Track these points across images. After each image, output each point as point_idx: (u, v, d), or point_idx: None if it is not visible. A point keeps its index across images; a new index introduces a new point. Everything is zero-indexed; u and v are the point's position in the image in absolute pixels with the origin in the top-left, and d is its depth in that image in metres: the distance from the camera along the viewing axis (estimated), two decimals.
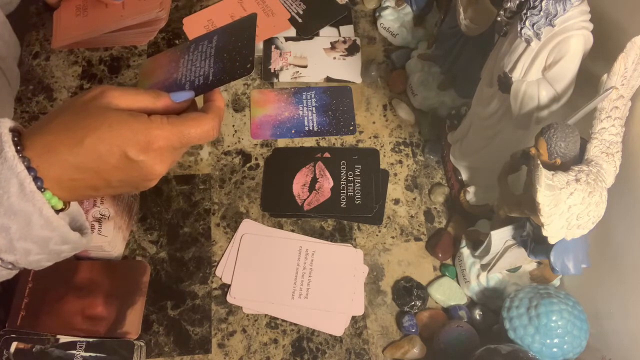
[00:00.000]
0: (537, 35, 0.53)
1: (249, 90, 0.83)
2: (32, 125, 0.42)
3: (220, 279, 0.69)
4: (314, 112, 0.81)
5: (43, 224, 0.40)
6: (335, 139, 0.79)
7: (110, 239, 0.67)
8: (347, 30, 0.88)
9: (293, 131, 0.79)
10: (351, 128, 0.80)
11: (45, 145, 0.40)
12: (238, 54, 0.49)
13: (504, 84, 0.58)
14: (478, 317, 0.67)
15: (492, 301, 0.67)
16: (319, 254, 0.70)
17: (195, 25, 0.86)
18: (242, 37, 0.51)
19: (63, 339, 0.62)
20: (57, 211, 0.42)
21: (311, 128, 0.80)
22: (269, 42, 0.86)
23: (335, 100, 0.82)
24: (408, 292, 0.68)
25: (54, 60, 0.84)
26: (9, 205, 0.39)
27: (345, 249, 0.71)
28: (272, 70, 0.84)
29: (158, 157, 0.43)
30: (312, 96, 0.82)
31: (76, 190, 0.42)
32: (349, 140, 0.79)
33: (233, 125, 0.80)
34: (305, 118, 0.80)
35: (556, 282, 0.67)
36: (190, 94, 0.47)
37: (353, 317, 0.68)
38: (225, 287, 0.69)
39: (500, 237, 0.61)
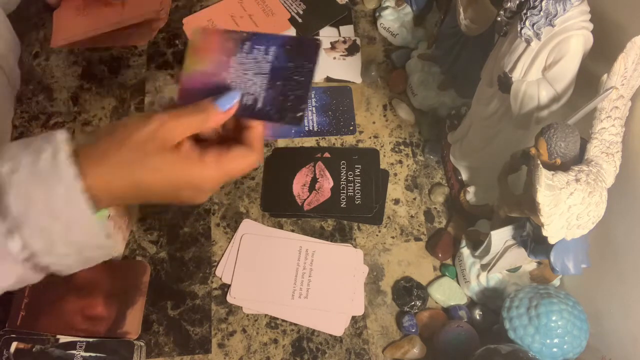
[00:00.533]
0: (537, 35, 0.53)
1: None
2: (86, 145, 0.42)
3: (220, 279, 0.69)
4: (314, 112, 0.81)
5: (85, 230, 0.41)
6: (335, 139, 0.79)
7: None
8: (347, 30, 0.88)
9: (293, 131, 0.79)
10: (351, 128, 0.80)
11: (102, 176, 0.41)
12: (292, 91, 0.47)
13: (504, 84, 0.58)
14: (478, 317, 0.67)
15: (492, 301, 0.67)
16: (319, 254, 0.70)
17: (194, 26, 0.86)
18: (301, 68, 0.47)
19: (63, 339, 0.62)
20: None
21: (311, 128, 0.80)
22: None
23: (335, 100, 0.82)
24: (408, 292, 0.68)
25: (54, 60, 0.84)
26: (55, 207, 0.39)
27: (345, 249, 0.71)
28: None
29: (205, 194, 0.46)
30: (312, 96, 0.82)
31: (118, 201, 0.43)
32: (349, 140, 0.79)
33: None
34: (305, 118, 0.80)
35: (556, 282, 0.67)
36: (235, 96, 0.46)
37: (353, 317, 0.68)
38: (225, 287, 0.69)
39: (500, 237, 0.61)
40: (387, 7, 0.88)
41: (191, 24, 0.86)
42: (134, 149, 0.42)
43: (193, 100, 0.46)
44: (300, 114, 0.46)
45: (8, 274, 0.41)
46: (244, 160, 0.45)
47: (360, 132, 0.80)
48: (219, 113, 0.45)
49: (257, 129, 0.46)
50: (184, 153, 0.43)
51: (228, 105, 0.45)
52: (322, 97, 0.82)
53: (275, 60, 0.48)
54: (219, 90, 0.47)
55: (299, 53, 0.49)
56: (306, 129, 0.80)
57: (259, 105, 0.47)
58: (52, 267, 0.42)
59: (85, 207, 0.40)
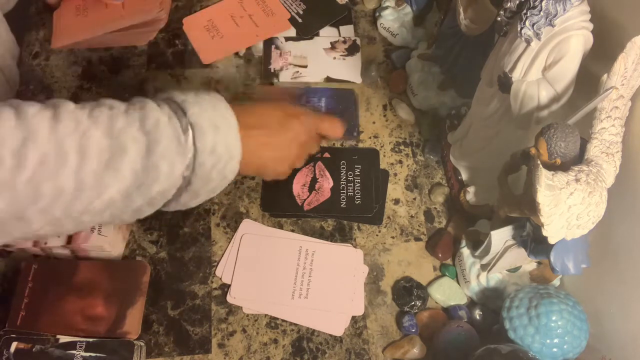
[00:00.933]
0: (537, 35, 0.53)
1: (249, 91, 0.83)
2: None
3: (220, 279, 0.69)
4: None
5: (236, 141, 0.51)
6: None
7: (111, 239, 0.67)
8: (347, 30, 0.88)
9: None
10: (355, 134, 0.80)
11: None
12: (345, 120, 0.67)
13: (504, 84, 0.58)
14: (478, 317, 0.67)
15: (492, 301, 0.67)
16: (319, 254, 0.70)
17: (194, 26, 0.86)
18: (346, 109, 0.80)
19: (63, 339, 0.62)
20: None
21: None
22: (269, 42, 0.86)
23: (340, 106, 0.82)
24: (408, 292, 0.68)
25: (54, 60, 0.84)
26: (221, 113, 0.50)
27: (345, 249, 0.71)
28: (272, 70, 0.84)
29: (304, 130, 0.60)
30: (318, 100, 0.82)
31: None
32: (349, 140, 0.79)
33: None
34: None
35: (556, 282, 0.67)
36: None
37: (353, 317, 0.68)
38: (225, 287, 0.69)
39: (500, 237, 0.61)
40: (387, 7, 0.88)
41: (191, 23, 0.86)
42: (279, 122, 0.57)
43: None
44: (356, 133, 0.79)
45: (174, 175, 0.47)
46: (335, 124, 0.63)
47: (360, 132, 0.80)
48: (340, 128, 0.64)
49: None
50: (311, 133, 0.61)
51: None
52: (329, 102, 0.82)
53: (327, 104, 0.80)
54: None
55: (342, 98, 0.81)
56: None
57: None
58: (198, 179, 0.49)
59: (235, 122, 0.51)
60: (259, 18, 0.85)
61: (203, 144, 0.48)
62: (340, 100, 0.82)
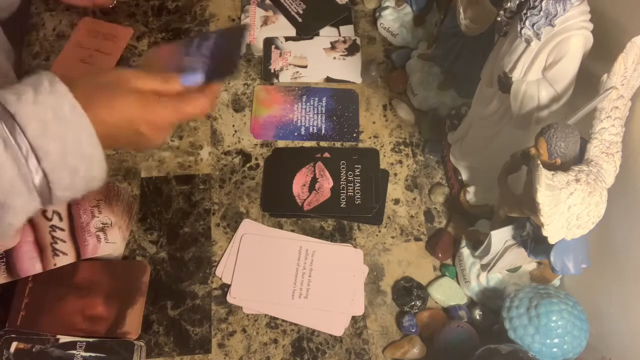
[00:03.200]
0: (537, 35, 0.53)
1: (249, 90, 0.83)
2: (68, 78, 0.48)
3: (220, 279, 0.69)
4: (319, 116, 0.81)
5: (90, 142, 0.46)
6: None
7: (118, 245, 0.67)
8: (347, 30, 0.88)
9: (296, 134, 0.79)
10: (354, 135, 0.80)
11: (84, 97, 0.46)
12: (346, 122, 0.78)
13: (504, 84, 0.58)
14: (478, 317, 0.67)
15: (492, 301, 0.67)
16: (319, 254, 0.70)
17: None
18: (347, 109, 0.81)
19: (63, 339, 0.62)
20: None
21: (314, 132, 0.80)
22: (269, 42, 0.86)
23: (341, 106, 0.82)
24: (408, 292, 0.68)
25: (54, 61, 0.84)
26: (65, 119, 0.44)
27: (345, 249, 0.71)
28: (272, 70, 0.84)
29: (162, 132, 0.53)
30: (319, 100, 0.82)
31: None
32: (346, 142, 0.79)
33: (233, 125, 0.80)
34: (310, 121, 0.80)
35: (556, 282, 0.67)
36: (197, 77, 0.53)
37: (353, 317, 0.68)
38: (225, 287, 0.69)
39: (500, 237, 0.61)
40: (387, 7, 0.88)
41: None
42: (106, 82, 0.49)
43: (265, 134, 0.78)
44: (356, 134, 0.79)
45: (25, 211, 0.44)
46: (196, 102, 0.52)
47: (360, 132, 0.80)
48: (178, 84, 0.53)
49: (212, 86, 0.54)
50: (145, 94, 0.50)
51: (188, 84, 0.53)
52: (329, 102, 0.82)
53: (328, 104, 0.80)
54: (285, 124, 0.78)
55: (343, 99, 0.81)
56: (309, 132, 0.80)
57: (323, 132, 0.79)
58: (53, 188, 0.45)
59: (87, 121, 0.45)
60: (105, 47, 0.84)
61: (54, 172, 0.44)
62: (341, 101, 0.82)
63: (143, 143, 0.53)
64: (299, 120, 0.80)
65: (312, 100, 0.82)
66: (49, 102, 0.44)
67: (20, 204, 0.44)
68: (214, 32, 0.59)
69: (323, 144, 0.79)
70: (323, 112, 0.81)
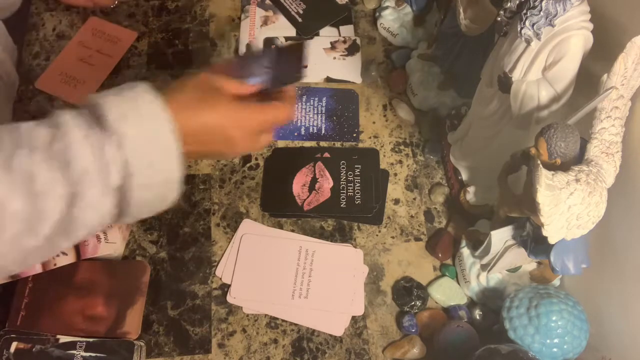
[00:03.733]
0: (537, 35, 0.53)
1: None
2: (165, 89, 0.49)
3: (220, 279, 0.69)
4: (319, 116, 0.81)
5: (169, 137, 0.45)
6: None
7: (118, 245, 0.67)
8: (347, 30, 0.88)
9: (296, 134, 0.79)
10: (354, 135, 0.80)
11: (178, 106, 0.47)
12: (345, 121, 0.79)
13: (504, 84, 0.58)
14: (478, 317, 0.67)
15: (492, 301, 0.67)
16: (319, 254, 0.70)
17: (51, 84, 0.81)
18: (347, 109, 0.81)
19: (63, 339, 0.62)
20: None
21: (314, 132, 0.80)
22: (269, 42, 0.86)
23: (341, 106, 0.82)
24: (408, 292, 0.68)
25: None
26: (142, 110, 0.44)
27: (345, 249, 0.71)
28: None
29: (249, 136, 0.53)
30: (319, 100, 0.82)
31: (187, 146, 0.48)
32: (346, 142, 0.79)
33: None
34: (310, 121, 0.80)
35: (556, 282, 0.67)
36: (259, 80, 0.56)
37: (353, 317, 0.68)
38: (225, 287, 0.69)
39: (500, 237, 0.61)
40: (387, 7, 0.88)
41: (46, 83, 0.81)
42: (199, 89, 0.50)
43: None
44: (356, 134, 0.79)
45: (102, 218, 0.44)
46: (281, 110, 0.54)
47: (360, 132, 0.80)
48: (254, 88, 0.54)
49: (289, 91, 0.56)
50: (235, 98, 0.52)
51: (252, 83, 0.55)
52: (329, 102, 0.82)
53: (328, 104, 0.80)
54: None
55: (343, 99, 0.81)
56: (309, 132, 0.80)
57: (323, 132, 0.79)
58: (135, 196, 0.45)
59: (167, 115, 0.45)
60: (107, 48, 0.84)
61: (136, 181, 0.43)
62: (340, 100, 0.82)
63: (231, 149, 0.53)
64: (299, 120, 0.80)
65: (312, 100, 0.82)
66: (130, 95, 0.45)
67: (93, 195, 0.42)
68: (325, 89, 0.70)
69: (323, 144, 0.79)
70: (323, 112, 0.81)
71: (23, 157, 0.40)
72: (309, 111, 0.81)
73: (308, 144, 0.79)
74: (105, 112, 0.43)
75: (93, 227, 0.44)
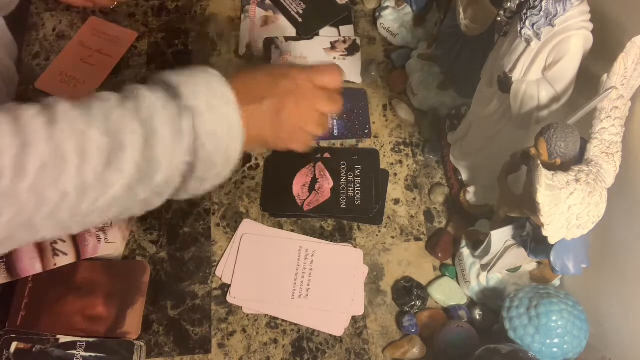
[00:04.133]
0: (537, 35, 0.53)
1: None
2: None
3: (220, 279, 0.69)
4: (330, 115, 0.80)
5: (227, 122, 0.49)
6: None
7: (118, 245, 0.67)
8: (347, 30, 0.88)
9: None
10: (366, 132, 0.80)
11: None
12: (356, 119, 0.80)
13: (504, 84, 0.58)
14: (478, 317, 0.67)
15: (492, 301, 0.67)
16: (319, 254, 0.70)
17: (50, 84, 0.81)
18: (357, 106, 0.80)
19: (63, 339, 0.62)
20: None
21: (326, 131, 0.79)
22: (269, 42, 0.86)
23: (350, 104, 0.82)
24: (408, 292, 0.68)
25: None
26: (210, 87, 0.49)
27: (345, 249, 0.71)
28: None
29: (300, 91, 0.56)
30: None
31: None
32: (350, 140, 0.79)
33: None
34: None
35: (556, 282, 0.67)
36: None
37: (353, 317, 0.68)
38: (225, 287, 0.69)
39: (500, 237, 0.61)
40: (387, 7, 0.88)
41: (46, 83, 0.81)
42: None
43: None
44: (367, 131, 0.79)
45: (175, 162, 0.46)
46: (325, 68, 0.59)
47: (373, 123, 0.80)
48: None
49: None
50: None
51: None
52: None
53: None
54: None
55: (352, 97, 0.81)
56: (333, 132, 0.80)
57: (336, 132, 0.79)
58: (202, 163, 0.48)
59: (235, 109, 0.49)
60: (107, 48, 0.84)
61: (202, 127, 0.47)
62: (349, 99, 0.82)
63: (282, 144, 0.57)
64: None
65: None
66: (203, 77, 0.49)
67: (166, 135, 0.45)
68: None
69: (323, 144, 0.79)
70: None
71: (99, 106, 0.45)
72: None
73: None
74: (181, 91, 0.47)
75: (168, 178, 0.47)
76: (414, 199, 0.76)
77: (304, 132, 0.58)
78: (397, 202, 0.76)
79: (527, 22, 0.52)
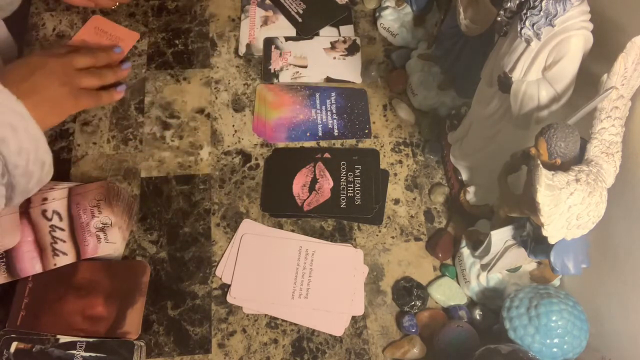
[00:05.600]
0: (537, 35, 0.53)
1: (249, 90, 0.83)
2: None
3: (220, 279, 0.69)
4: (330, 116, 0.81)
5: (30, 135, 0.54)
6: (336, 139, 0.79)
7: (118, 245, 0.67)
8: (347, 30, 0.88)
9: (308, 134, 0.79)
10: (366, 132, 0.80)
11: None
12: (357, 118, 0.80)
13: (504, 84, 0.58)
14: (478, 317, 0.67)
15: (492, 301, 0.67)
16: (319, 254, 0.70)
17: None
18: (357, 106, 0.81)
19: (63, 339, 0.62)
20: None
21: (326, 131, 0.79)
22: (269, 42, 0.86)
23: (350, 104, 0.82)
24: (408, 292, 0.69)
25: None
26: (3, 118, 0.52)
27: (345, 249, 0.71)
28: (272, 71, 0.84)
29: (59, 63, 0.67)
30: (328, 99, 0.82)
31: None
32: (350, 140, 0.79)
33: (233, 125, 0.80)
34: (321, 121, 0.80)
35: (556, 282, 0.67)
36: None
37: (353, 317, 0.68)
38: (225, 287, 0.69)
39: (500, 237, 0.61)
40: (387, 7, 0.88)
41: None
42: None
43: (278, 134, 0.78)
44: (367, 131, 0.79)
45: None
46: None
47: (373, 123, 0.80)
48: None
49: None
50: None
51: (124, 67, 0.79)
52: (338, 100, 0.82)
53: (338, 103, 0.81)
54: (297, 125, 0.79)
55: (352, 97, 0.81)
56: (320, 132, 0.79)
57: (335, 131, 0.79)
58: (19, 179, 0.52)
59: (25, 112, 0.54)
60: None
61: (8, 150, 0.50)
62: (349, 99, 0.82)
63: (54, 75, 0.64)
64: (310, 121, 0.80)
65: (321, 100, 0.82)
66: None
67: None
68: (334, 88, 0.80)
69: (323, 144, 0.79)
70: (334, 111, 0.81)
71: None
72: (320, 111, 0.81)
73: (308, 144, 0.79)
74: None
75: None
76: (414, 199, 0.76)
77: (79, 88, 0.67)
78: (397, 202, 0.76)
79: (527, 22, 0.52)
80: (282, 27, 0.88)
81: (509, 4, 0.55)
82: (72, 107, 0.67)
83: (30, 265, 0.65)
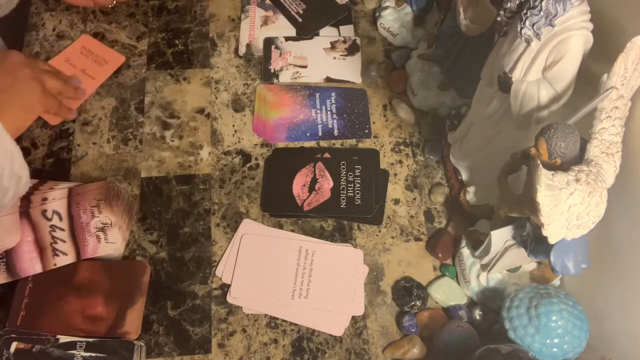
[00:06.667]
0: (537, 35, 0.53)
1: (249, 90, 0.83)
2: None
3: (220, 279, 0.69)
4: (330, 116, 0.81)
5: (3, 149, 0.54)
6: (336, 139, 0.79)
7: (118, 245, 0.67)
8: (347, 30, 0.88)
9: (308, 134, 0.79)
10: (366, 132, 0.80)
11: None
12: (356, 118, 0.79)
13: (504, 84, 0.58)
14: (478, 317, 0.67)
15: (492, 301, 0.67)
16: (319, 254, 0.70)
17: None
18: (357, 106, 0.81)
19: (63, 339, 0.62)
20: None
21: (326, 131, 0.79)
22: (269, 42, 0.86)
23: (350, 104, 0.82)
24: (408, 292, 0.68)
25: None
26: None
27: (345, 249, 0.71)
28: (272, 71, 0.84)
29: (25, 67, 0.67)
30: (328, 99, 0.82)
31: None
32: (350, 140, 0.79)
33: (233, 125, 0.80)
34: (322, 121, 0.80)
35: (556, 282, 0.67)
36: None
37: (353, 317, 0.68)
38: (225, 287, 0.69)
39: (500, 237, 0.61)
40: (387, 7, 0.88)
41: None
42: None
43: (278, 134, 0.78)
44: (368, 131, 0.79)
45: None
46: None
47: (373, 123, 0.80)
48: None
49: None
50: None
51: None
52: (338, 100, 0.82)
53: (338, 103, 0.81)
54: (298, 125, 0.79)
55: (352, 97, 0.81)
56: (320, 132, 0.80)
57: (335, 131, 0.79)
58: None
59: None
60: (92, 69, 0.82)
61: None
62: (349, 99, 0.82)
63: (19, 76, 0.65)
64: (310, 121, 0.80)
65: (321, 100, 0.82)
66: None
67: None
68: (334, 88, 0.81)
69: (323, 144, 0.79)
70: (334, 111, 0.81)
71: None
72: (320, 111, 0.81)
73: (308, 144, 0.79)
74: None
75: None
76: (414, 199, 0.76)
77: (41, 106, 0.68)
78: (397, 202, 0.76)
79: (527, 22, 0.52)
80: (282, 27, 0.88)
81: (509, 4, 0.55)
82: (39, 105, 0.68)
83: (30, 265, 0.65)
